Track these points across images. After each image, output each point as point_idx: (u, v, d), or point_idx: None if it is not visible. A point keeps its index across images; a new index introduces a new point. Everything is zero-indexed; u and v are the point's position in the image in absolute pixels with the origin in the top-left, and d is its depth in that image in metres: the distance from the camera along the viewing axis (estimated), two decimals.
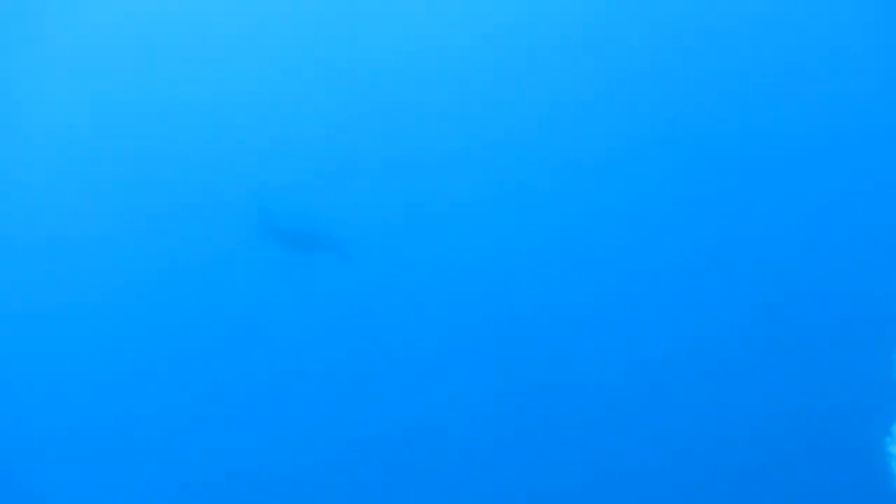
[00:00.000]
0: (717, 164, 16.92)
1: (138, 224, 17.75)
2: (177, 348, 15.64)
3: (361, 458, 13.69)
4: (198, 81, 19.86)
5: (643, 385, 13.97)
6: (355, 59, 19.75)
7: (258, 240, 15.72)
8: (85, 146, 19.09)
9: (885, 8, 17.68)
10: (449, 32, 19.58)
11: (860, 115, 16.91)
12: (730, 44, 18.39)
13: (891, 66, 17.47)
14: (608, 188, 16.92)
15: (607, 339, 14.62)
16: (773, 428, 13.08)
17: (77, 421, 14.77)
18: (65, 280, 16.96)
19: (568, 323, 14.89)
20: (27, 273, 17.00)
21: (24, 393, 15.31)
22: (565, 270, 15.75)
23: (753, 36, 18.36)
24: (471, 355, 14.62)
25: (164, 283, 16.69)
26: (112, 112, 19.39)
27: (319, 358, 15.12)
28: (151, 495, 13.92)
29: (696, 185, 16.73)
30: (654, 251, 15.77)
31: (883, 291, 14.07)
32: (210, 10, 20.21)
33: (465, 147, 18.05)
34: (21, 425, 14.84)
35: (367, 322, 15.41)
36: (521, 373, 14.31)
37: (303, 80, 19.81)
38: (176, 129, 19.24)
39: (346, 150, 18.42)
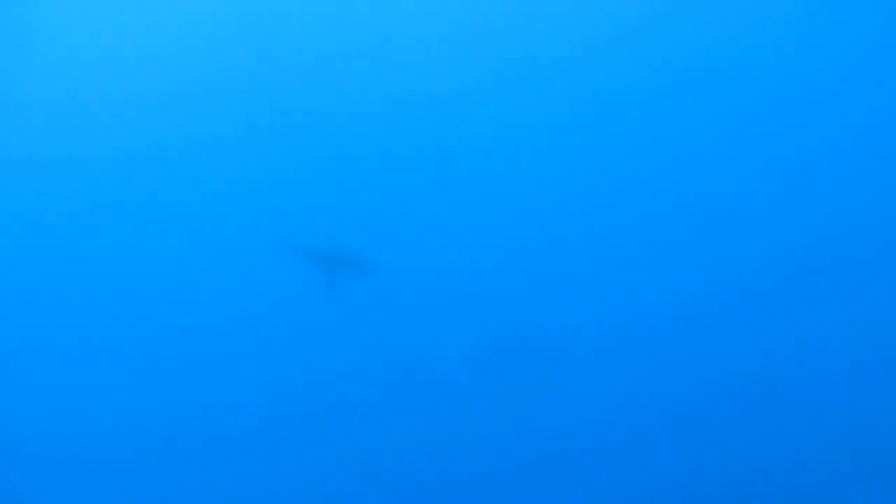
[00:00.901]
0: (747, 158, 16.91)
1: (161, 239, 17.73)
2: (198, 364, 15.23)
3: (379, 476, 13.29)
4: (220, 103, 19.98)
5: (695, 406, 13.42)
6: (377, 71, 19.92)
7: (282, 257, 15.40)
8: (107, 163, 19.20)
9: (885, 8, 18.08)
10: (481, 47, 19.84)
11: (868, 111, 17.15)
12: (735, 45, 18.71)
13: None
14: (638, 195, 16.81)
15: (645, 349, 14.23)
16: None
17: (90, 425, 14.40)
18: (85, 288, 16.92)
19: (604, 340, 14.42)
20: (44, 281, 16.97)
21: (29, 395, 14.93)
22: (600, 290, 15.39)
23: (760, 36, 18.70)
24: (499, 374, 14.24)
25: (187, 300, 16.45)
26: (134, 123, 19.46)
27: (343, 374, 14.68)
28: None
29: (719, 189, 16.62)
30: (693, 260, 15.45)
31: None
32: (228, 18, 20.42)
33: (493, 163, 18.05)
34: (23, 427, 14.40)
35: (391, 338, 15.01)
36: (548, 391, 13.92)
37: (323, 95, 19.91)
38: (198, 146, 19.31)
39: (370, 167, 18.38)
